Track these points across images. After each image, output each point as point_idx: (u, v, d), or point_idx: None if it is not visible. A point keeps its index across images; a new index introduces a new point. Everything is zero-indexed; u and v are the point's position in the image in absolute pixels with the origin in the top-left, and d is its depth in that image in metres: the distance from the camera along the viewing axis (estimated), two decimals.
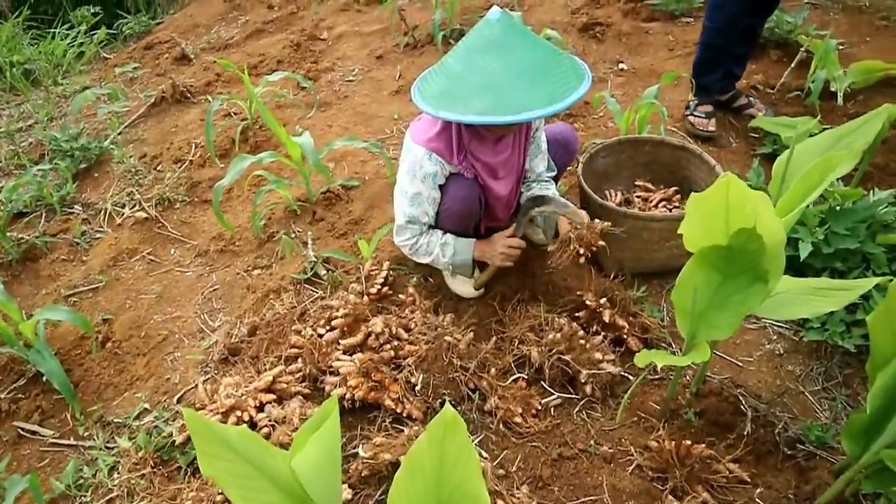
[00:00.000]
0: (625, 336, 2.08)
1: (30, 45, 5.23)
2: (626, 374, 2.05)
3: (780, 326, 2.18)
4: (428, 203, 2.06)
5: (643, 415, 1.95)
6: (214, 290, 2.66)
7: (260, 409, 1.89)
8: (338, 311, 2.13)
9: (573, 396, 2.02)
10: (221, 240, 2.90)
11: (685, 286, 1.64)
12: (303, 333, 2.14)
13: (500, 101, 1.67)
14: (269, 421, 1.84)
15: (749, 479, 1.75)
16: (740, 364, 2.07)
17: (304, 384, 2.02)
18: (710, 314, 1.64)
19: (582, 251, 2.04)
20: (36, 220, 3.17)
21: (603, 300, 2.11)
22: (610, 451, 1.86)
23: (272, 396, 1.90)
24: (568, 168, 2.54)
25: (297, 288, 2.44)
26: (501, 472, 1.82)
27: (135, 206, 3.14)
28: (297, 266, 2.56)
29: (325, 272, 2.47)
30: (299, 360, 2.08)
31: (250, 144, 3.42)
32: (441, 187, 2.07)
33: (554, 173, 2.33)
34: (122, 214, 3.10)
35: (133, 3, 5.86)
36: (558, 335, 2.01)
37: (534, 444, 1.90)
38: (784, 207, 1.54)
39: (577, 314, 2.14)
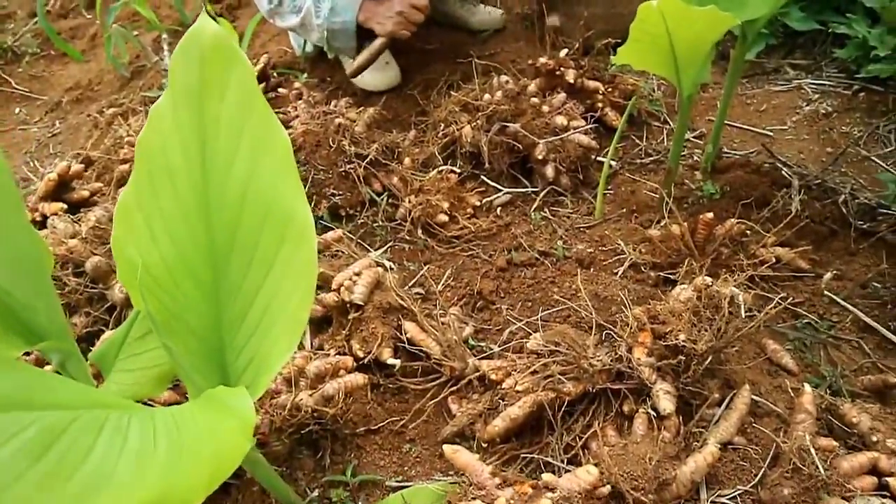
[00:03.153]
0: (599, 105, 1.42)
1: None
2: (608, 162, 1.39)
3: (822, 83, 1.51)
4: None
5: (634, 207, 1.30)
6: (55, 135, 1.99)
7: (41, 224, 1.23)
8: None
9: (529, 190, 1.36)
10: (78, 88, 2.23)
11: None
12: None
13: None
14: (55, 240, 1.16)
15: (808, 267, 1.11)
16: (770, 133, 1.41)
17: None
18: None
19: None
20: None
21: (563, 53, 1.43)
22: (588, 250, 1.21)
23: (59, 206, 1.24)
24: None
25: (147, 109, 1.75)
26: (419, 291, 1.18)
27: None
28: (155, 86, 1.88)
29: None
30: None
31: None
32: None
33: None
34: None
35: None
36: (499, 94, 1.33)
37: (470, 252, 1.25)
38: None
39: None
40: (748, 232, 1.13)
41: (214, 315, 0.65)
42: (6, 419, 0.42)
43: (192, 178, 0.61)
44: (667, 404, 0.84)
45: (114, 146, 1.61)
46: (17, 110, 2.26)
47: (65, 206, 1.26)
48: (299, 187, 0.59)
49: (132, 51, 2.19)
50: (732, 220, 1.12)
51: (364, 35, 1.50)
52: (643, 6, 0.85)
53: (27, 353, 0.74)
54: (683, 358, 0.85)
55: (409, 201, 1.28)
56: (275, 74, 1.73)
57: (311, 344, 1.07)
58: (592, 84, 1.41)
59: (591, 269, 1.18)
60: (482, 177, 1.37)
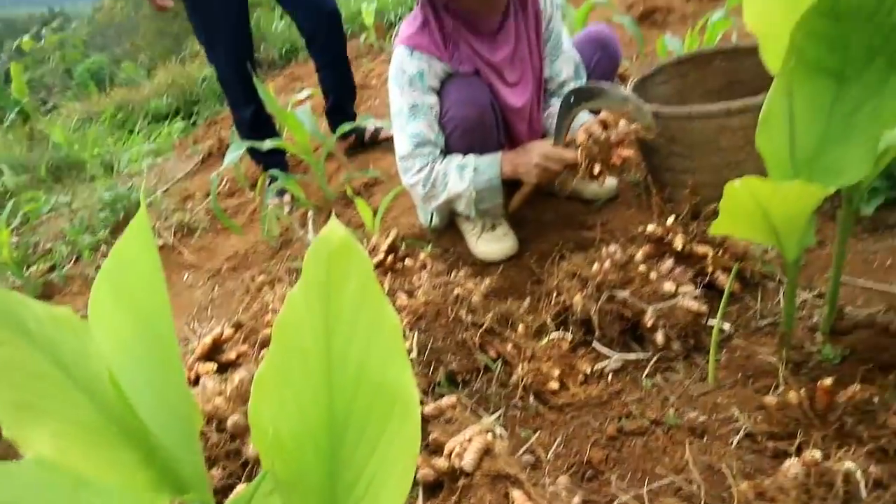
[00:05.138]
0: (708, 268, 1.44)
1: (115, 142, 5.41)
2: (718, 326, 1.38)
3: None
4: (428, 113, 1.60)
5: (750, 373, 1.28)
6: (213, 300, 2.27)
7: (195, 382, 1.39)
8: None
9: (640, 356, 1.37)
10: (236, 257, 2.54)
11: (773, 118, 1.03)
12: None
13: None
14: (204, 397, 1.32)
15: None
16: None
17: None
18: (828, 152, 1.02)
19: (598, 169, 1.50)
20: (62, 265, 2.99)
21: (671, 221, 1.49)
22: (701, 419, 1.19)
23: (211, 366, 1.40)
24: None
25: (292, 278, 1.98)
26: (530, 458, 1.20)
27: (154, 235, 2.87)
28: (299, 257, 2.12)
29: None
30: None
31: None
32: (440, 95, 1.61)
33: (583, 82, 1.80)
34: None
35: (205, 96, 6.02)
36: (607, 263, 1.40)
37: (581, 419, 1.26)
38: None
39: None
40: (875, 399, 1.07)
41: (330, 479, 0.73)
42: None
43: (318, 357, 0.71)
44: None
45: (260, 310, 1.82)
46: (185, 276, 2.61)
47: (215, 366, 1.43)
48: (406, 366, 0.67)
49: (283, 223, 2.49)
50: (856, 385, 1.07)
51: (507, 192, 1.67)
52: (727, 187, 0.91)
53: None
54: None
55: (522, 368, 1.34)
56: (403, 246, 1.91)
57: None
58: (701, 249, 1.44)
59: (705, 439, 1.15)
60: (593, 343, 1.41)
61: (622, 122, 1.50)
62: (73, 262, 3.03)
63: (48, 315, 0.85)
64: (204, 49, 2.54)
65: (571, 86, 1.78)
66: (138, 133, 5.45)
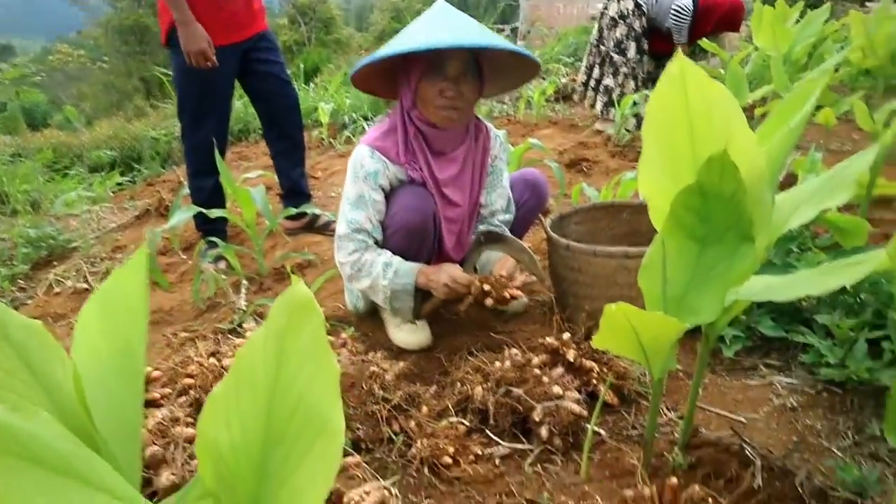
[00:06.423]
0: (594, 381, 1.67)
1: (45, 182, 5.36)
2: (598, 431, 1.60)
3: (790, 381, 1.74)
4: (371, 207, 1.81)
5: (617, 472, 1.48)
6: None
7: None
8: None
9: (526, 447, 1.56)
10: (159, 312, 2.61)
11: (653, 264, 1.31)
12: (204, 364, 1.76)
13: (415, 38, 1.65)
14: None
15: None
16: (743, 420, 1.62)
17: (189, 409, 1.60)
18: (689, 296, 1.29)
19: (490, 302, 1.78)
20: None
21: (567, 336, 1.73)
22: None
23: None
24: (533, 223, 2.29)
25: (217, 338, 2.09)
26: None
27: (80, 279, 2.91)
28: (226, 320, 2.23)
29: (254, 325, 2.13)
30: (192, 391, 1.68)
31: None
32: (388, 198, 1.83)
33: (511, 216, 2.08)
34: (63, 285, 2.86)
35: (149, 155, 6.10)
36: (507, 363, 1.61)
37: (468, 493, 1.43)
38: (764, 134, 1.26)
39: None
40: (709, 499, 1.29)
41: (257, 486, 0.87)
42: None
43: (265, 386, 0.87)
44: None
45: (182, 363, 1.91)
46: None
47: None
48: (338, 404, 0.84)
49: (219, 286, 2.59)
50: (696, 486, 1.29)
51: (421, 296, 1.86)
52: (606, 307, 1.15)
53: None
54: None
55: (422, 443, 1.50)
56: (328, 325, 2.07)
57: None
58: (588, 364, 1.68)
59: None
60: (487, 431, 1.59)
61: (518, 275, 1.81)
62: None
63: (22, 324, 0.99)
64: (185, 117, 2.70)
65: (501, 217, 2.06)
66: (72, 178, 5.44)
